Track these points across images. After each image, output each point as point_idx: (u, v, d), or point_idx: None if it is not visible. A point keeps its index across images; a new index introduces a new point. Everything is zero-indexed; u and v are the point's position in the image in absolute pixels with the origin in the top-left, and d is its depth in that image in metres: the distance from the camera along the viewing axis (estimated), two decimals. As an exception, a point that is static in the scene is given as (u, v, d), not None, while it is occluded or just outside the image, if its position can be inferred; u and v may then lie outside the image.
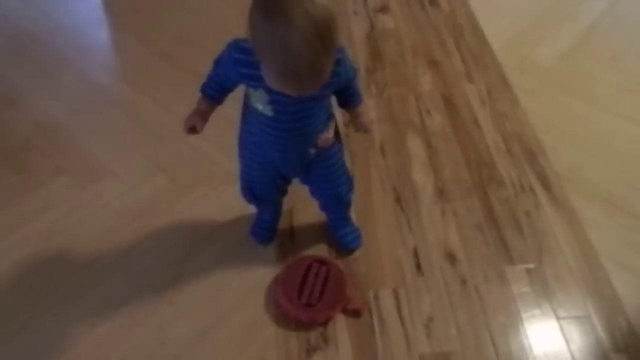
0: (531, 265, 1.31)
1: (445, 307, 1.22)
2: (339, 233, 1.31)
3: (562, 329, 1.19)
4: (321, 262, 1.24)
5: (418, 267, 1.29)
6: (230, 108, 1.67)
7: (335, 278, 1.21)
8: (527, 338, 1.17)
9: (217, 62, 1.02)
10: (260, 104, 0.97)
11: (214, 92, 1.06)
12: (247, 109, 1.05)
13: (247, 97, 1.03)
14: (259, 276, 1.26)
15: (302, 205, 1.41)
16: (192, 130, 1.07)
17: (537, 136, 1.64)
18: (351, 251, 1.31)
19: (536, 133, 1.65)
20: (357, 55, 1.90)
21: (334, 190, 1.23)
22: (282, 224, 1.37)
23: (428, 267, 1.29)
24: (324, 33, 0.79)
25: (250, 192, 1.24)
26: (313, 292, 1.18)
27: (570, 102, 1.78)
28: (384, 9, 2.14)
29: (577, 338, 1.18)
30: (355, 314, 1.19)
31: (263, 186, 1.21)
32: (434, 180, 1.50)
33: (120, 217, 1.39)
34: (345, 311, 1.19)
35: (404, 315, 1.20)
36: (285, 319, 1.18)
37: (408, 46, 1.93)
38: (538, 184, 1.50)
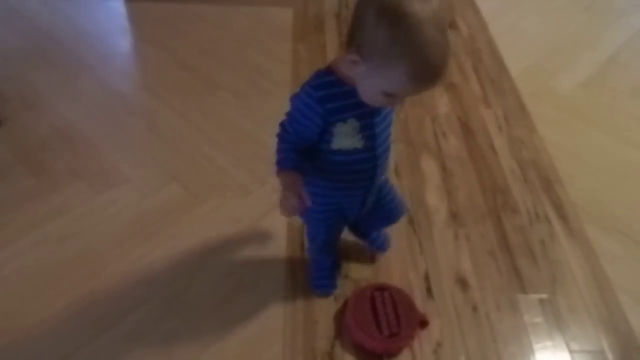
0: (544, 296, 1.28)
1: (455, 333, 1.20)
2: (372, 237, 1.30)
3: (574, 363, 1.17)
4: (380, 289, 1.21)
5: (429, 290, 1.27)
6: (248, 123, 1.70)
7: (402, 300, 1.19)
8: (538, 370, 1.15)
9: (291, 122, 0.93)
10: (349, 139, 0.92)
11: (295, 161, 0.93)
12: (322, 159, 0.96)
13: (323, 145, 0.94)
14: (268, 291, 1.25)
15: (314, 222, 1.40)
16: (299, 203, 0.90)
17: (553, 164, 1.63)
18: (381, 252, 1.32)
19: (553, 161, 1.64)
20: (376, 74, 1.91)
21: (394, 212, 1.20)
22: (293, 237, 1.37)
23: (439, 291, 1.27)
24: (445, 17, 0.81)
25: (323, 244, 1.19)
26: (390, 321, 1.15)
27: (589, 131, 1.77)
28: (403, 30, 2.15)
29: (590, 373, 1.15)
30: (425, 324, 1.19)
31: (333, 231, 1.17)
32: (448, 203, 1.49)
33: (132, 225, 1.39)
34: (423, 326, 1.18)
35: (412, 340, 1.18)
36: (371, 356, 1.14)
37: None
38: (553, 213, 1.48)
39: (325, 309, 1.22)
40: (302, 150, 0.94)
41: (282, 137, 0.95)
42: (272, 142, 1.67)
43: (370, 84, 0.84)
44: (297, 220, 1.40)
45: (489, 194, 1.53)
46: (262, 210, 1.43)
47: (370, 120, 0.92)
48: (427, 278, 1.30)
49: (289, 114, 0.94)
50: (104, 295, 1.24)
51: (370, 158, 0.98)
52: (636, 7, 2.46)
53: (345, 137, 0.92)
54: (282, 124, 0.96)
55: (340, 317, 1.20)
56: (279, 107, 1.72)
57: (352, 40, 0.82)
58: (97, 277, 1.27)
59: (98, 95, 1.79)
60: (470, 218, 1.46)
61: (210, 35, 2.09)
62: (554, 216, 1.47)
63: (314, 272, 1.26)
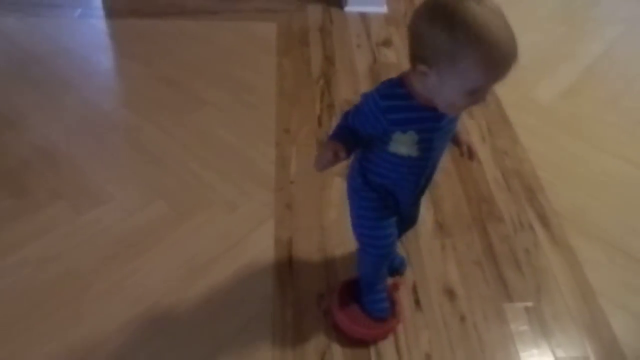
0: (530, 304, 1.30)
1: (443, 344, 1.20)
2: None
3: (561, 371, 1.18)
4: (356, 280, 1.23)
5: (417, 302, 1.28)
6: (234, 138, 1.70)
7: None
8: (526, 379, 1.16)
9: (354, 115, 0.95)
10: (405, 147, 0.93)
11: (347, 137, 0.95)
12: (374, 159, 0.99)
13: (378, 146, 0.96)
14: (257, 307, 1.25)
15: (300, 236, 1.40)
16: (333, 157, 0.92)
17: (536, 173, 1.65)
18: (401, 274, 1.32)
19: (536, 170, 1.66)
20: (360, 87, 1.93)
21: (417, 214, 1.22)
22: (281, 254, 1.37)
23: (427, 302, 1.28)
24: (495, 3, 0.80)
25: (386, 244, 1.13)
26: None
27: (570, 141, 1.80)
28: (386, 43, 2.18)
29: (577, 380, 1.17)
30: (397, 287, 1.26)
31: (393, 229, 1.12)
32: (434, 214, 1.50)
33: (117, 244, 1.37)
34: (396, 288, 1.26)
35: (401, 352, 1.18)
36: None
37: (409, 80, 1.96)
38: (537, 222, 1.50)
39: (314, 324, 1.22)
40: (356, 137, 0.96)
41: (342, 120, 0.99)
42: (258, 157, 1.68)
43: (449, 90, 0.83)
44: (286, 235, 1.40)
45: (474, 204, 1.54)
46: (249, 226, 1.43)
47: (430, 135, 0.93)
48: (415, 290, 1.31)
49: (354, 109, 0.96)
50: (88, 316, 1.22)
51: (422, 166, 1.00)
52: (612, 18, 2.53)
53: (402, 145, 0.93)
54: (346, 113, 0.99)
55: (328, 329, 1.21)
56: (264, 121, 1.77)
57: (416, 57, 0.83)
58: (81, 298, 1.25)
59: (80, 113, 1.78)
60: (456, 228, 1.47)
61: (194, 50, 2.09)
62: (537, 225, 1.49)
63: (376, 297, 1.19)
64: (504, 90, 1.98)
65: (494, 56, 0.78)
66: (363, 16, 2.34)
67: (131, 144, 1.67)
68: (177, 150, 1.65)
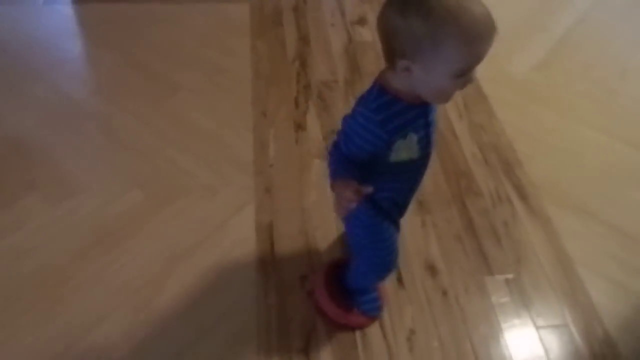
0: (510, 276, 1.32)
1: (426, 319, 1.22)
2: None
3: (541, 339, 1.20)
4: (337, 265, 1.23)
5: (399, 279, 1.29)
6: (210, 122, 1.67)
7: None
8: (507, 348, 1.18)
9: (347, 142, 0.89)
10: (406, 152, 0.91)
11: (350, 170, 0.89)
12: (374, 177, 0.91)
13: (377, 162, 0.91)
14: (240, 291, 1.25)
15: (281, 219, 1.40)
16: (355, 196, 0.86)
17: (513, 147, 1.67)
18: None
19: (512, 144, 1.68)
20: (336, 67, 1.91)
21: None
22: (262, 238, 1.36)
23: (409, 279, 1.29)
24: None
25: (394, 259, 1.12)
26: None
27: (544, 113, 1.82)
28: (361, 21, 2.16)
29: (556, 347, 1.19)
30: None
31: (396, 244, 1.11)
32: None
33: (94, 234, 1.35)
34: None
35: (386, 329, 1.19)
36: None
37: (385, 58, 1.94)
38: (515, 194, 1.52)
39: (298, 306, 1.22)
40: (355, 164, 0.90)
41: (334, 154, 0.92)
42: (235, 141, 1.66)
43: (437, 78, 0.80)
44: (266, 219, 1.39)
45: (452, 179, 1.55)
46: (229, 211, 1.42)
47: (427, 130, 0.91)
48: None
49: (343, 135, 0.90)
50: (68, 308, 1.20)
51: (423, 164, 0.98)
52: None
53: (403, 151, 0.91)
54: (335, 145, 0.92)
55: (312, 310, 1.21)
56: (240, 104, 1.74)
57: (393, 54, 0.81)
58: (60, 290, 1.23)
59: (50, 102, 1.73)
60: (436, 204, 1.48)
61: (165, 34, 2.04)
62: (515, 197, 1.51)
63: (372, 298, 1.20)
64: (479, 65, 1.99)
65: (474, 32, 0.77)
66: (336, -5, 2.31)
67: (104, 133, 1.63)
68: (152, 137, 1.62)
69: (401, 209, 1.07)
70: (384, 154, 0.89)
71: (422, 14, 0.76)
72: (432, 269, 1.32)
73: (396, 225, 1.07)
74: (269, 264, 1.30)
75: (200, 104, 1.74)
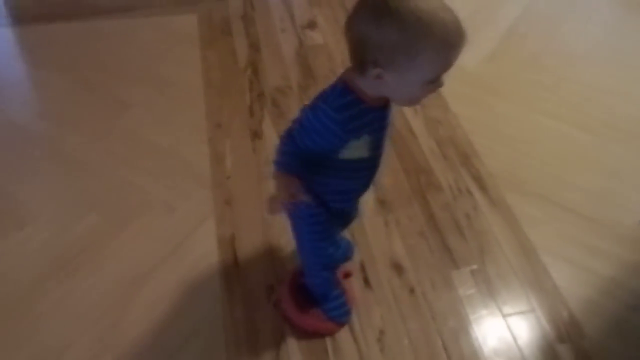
0: (475, 267, 1.33)
1: (395, 318, 1.21)
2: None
3: (509, 327, 1.22)
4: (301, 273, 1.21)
5: (366, 281, 1.28)
6: (164, 137, 1.64)
7: None
8: (477, 340, 1.19)
9: (302, 134, 0.89)
10: (357, 150, 0.91)
11: (297, 167, 0.90)
12: (322, 170, 0.95)
13: (327, 157, 0.92)
14: (205, 309, 1.22)
15: (243, 231, 1.38)
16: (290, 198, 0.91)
17: (469, 139, 1.69)
18: (350, 259, 1.30)
19: (469, 136, 1.70)
20: (289, 72, 1.90)
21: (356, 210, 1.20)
22: (225, 251, 1.33)
23: (376, 280, 1.29)
24: None
25: (333, 260, 1.13)
26: None
27: (498, 103, 1.85)
28: (311, 25, 2.15)
29: (524, 333, 1.21)
30: (349, 275, 1.27)
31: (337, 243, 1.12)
32: (375, 191, 1.51)
33: (51, 264, 1.30)
34: (347, 276, 1.27)
35: (355, 332, 1.18)
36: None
37: (339, 61, 1.94)
38: (474, 186, 1.54)
39: (265, 317, 1.20)
40: (305, 159, 0.90)
41: (287, 143, 0.91)
42: (191, 155, 1.63)
43: (408, 85, 0.81)
44: (228, 232, 1.37)
45: (412, 176, 1.56)
46: (189, 227, 1.39)
47: (380, 134, 0.91)
48: (363, 269, 1.31)
49: (300, 126, 0.89)
50: (31, 340, 1.16)
51: (373, 165, 0.98)
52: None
53: (355, 150, 0.91)
54: (290, 134, 0.90)
55: (281, 320, 1.20)
56: (194, 117, 1.71)
57: (364, 61, 0.80)
58: (21, 322, 1.19)
59: (-5, 129, 1.66)
60: (397, 203, 1.48)
61: (112, 51, 1.99)
62: (475, 189, 1.53)
63: (337, 302, 1.18)
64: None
65: (449, 43, 0.78)
66: (285, 1, 2.30)
67: (53, 157, 1.58)
68: (105, 157, 1.57)
69: (347, 206, 1.07)
70: (336, 151, 0.90)
71: (397, 26, 0.76)
72: (397, 268, 1.32)
73: (339, 221, 1.07)
74: (233, 277, 1.28)
75: (153, 119, 1.70)
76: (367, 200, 1.47)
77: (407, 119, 1.76)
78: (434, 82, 0.82)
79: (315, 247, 1.09)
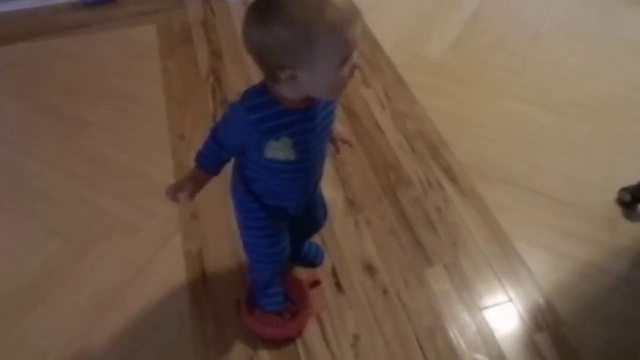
0: (448, 261, 1.31)
1: (370, 321, 1.19)
2: (304, 252, 1.27)
3: (486, 320, 1.19)
4: None
5: (338, 285, 1.26)
6: (126, 155, 1.60)
7: (286, 281, 1.20)
8: (454, 337, 1.16)
9: (223, 129, 0.92)
10: (281, 152, 0.90)
11: (215, 164, 0.96)
12: (253, 167, 0.96)
13: (254, 154, 0.92)
14: (175, 328, 1.18)
15: (210, 245, 1.34)
16: (180, 195, 0.98)
17: (437, 129, 1.66)
18: (318, 265, 1.28)
19: (436, 127, 1.67)
20: (252, 78, 1.85)
21: (322, 212, 1.18)
22: (193, 267, 1.30)
23: (348, 283, 1.26)
24: None
25: (279, 259, 1.10)
26: (286, 305, 1.17)
27: (464, 91, 1.83)
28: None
29: (502, 325, 1.19)
30: (317, 283, 1.25)
31: (285, 241, 1.09)
32: (344, 192, 1.48)
33: (13, 296, 1.26)
34: (314, 285, 1.25)
35: (329, 339, 1.15)
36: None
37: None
38: (444, 178, 1.51)
39: (236, 333, 1.17)
40: (226, 153, 0.95)
41: (210, 136, 0.95)
42: (154, 170, 1.58)
43: (322, 76, 0.80)
44: (195, 247, 1.34)
45: (381, 173, 1.53)
46: (155, 246, 1.35)
47: (303, 137, 0.89)
48: (334, 273, 1.28)
49: (222, 121, 0.92)
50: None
51: (302, 169, 0.96)
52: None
53: (279, 151, 0.90)
54: (215, 129, 0.94)
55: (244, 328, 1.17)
56: (156, 131, 1.67)
57: (273, 68, 0.79)
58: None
59: (-49, 161, 1.61)
60: (367, 202, 1.45)
61: (70, 70, 1.94)
62: (445, 181, 1.50)
63: (272, 294, 1.16)
64: (396, 52, 1.99)
65: (342, 22, 0.76)
66: (246, 3, 2.26)
67: (12, 184, 1.53)
68: (66, 180, 1.53)
69: (288, 215, 1.05)
70: (257, 148, 0.90)
71: (285, 22, 0.75)
72: (370, 269, 1.29)
73: (282, 220, 1.05)
74: (202, 294, 1.25)
75: (114, 137, 1.66)
76: (336, 202, 1.44)
77: (374, 114, 1.73)
78: (345, 64, 0.80)
79: (252, 241, 1.08)
